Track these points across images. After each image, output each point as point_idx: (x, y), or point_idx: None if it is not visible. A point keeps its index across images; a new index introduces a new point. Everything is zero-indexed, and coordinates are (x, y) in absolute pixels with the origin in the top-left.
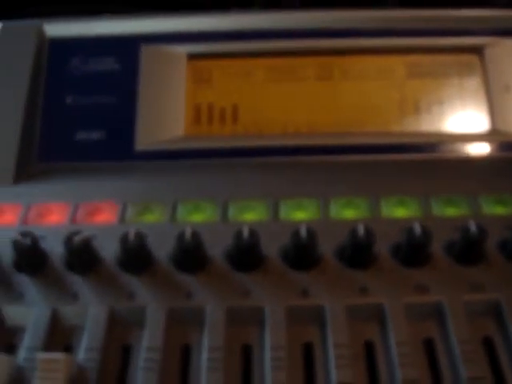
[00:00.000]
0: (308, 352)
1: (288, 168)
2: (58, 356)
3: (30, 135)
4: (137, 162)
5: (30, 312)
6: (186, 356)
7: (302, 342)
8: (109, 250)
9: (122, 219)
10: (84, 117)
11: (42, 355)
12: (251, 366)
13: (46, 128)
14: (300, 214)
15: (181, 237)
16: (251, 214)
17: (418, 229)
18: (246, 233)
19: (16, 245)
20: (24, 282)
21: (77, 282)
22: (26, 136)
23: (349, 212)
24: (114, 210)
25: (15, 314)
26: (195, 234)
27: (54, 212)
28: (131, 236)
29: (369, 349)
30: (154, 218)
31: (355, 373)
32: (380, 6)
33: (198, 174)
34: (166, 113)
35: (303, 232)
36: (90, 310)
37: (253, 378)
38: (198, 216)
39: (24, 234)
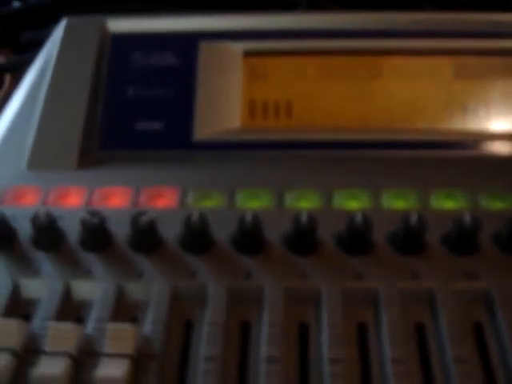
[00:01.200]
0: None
1: (340, 161)
2: (127, 326)
3: (92, 124)
4: (194, 151)
5: (97, 287)
6: (245, 332)
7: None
8: (170, 232)
9: (183, 204)
10: (144, 108)
11: (112, 325)
12: (308, 342)
13: (107, 118)
14: (353, 203)
15: (242, 220)
16: (306, 202)
17: (466, 219)
18: (304, 218)
19: (84, 224)
20: (90, 259)
21: (141, 260)
22: (88, 125)
23: (399, 203)
24: (175, 195)
25: (83, 288)
26: (256, 218)
27: (117, 196)
28: (195, 217)
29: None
30: (213, 203)
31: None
32: (417, 9)
33: (254, 164)
34: (223, 106)
35: (359, 219)
36: (154, 287)
37: (309, 352)
38: (255, 203)
39: (92, 214)
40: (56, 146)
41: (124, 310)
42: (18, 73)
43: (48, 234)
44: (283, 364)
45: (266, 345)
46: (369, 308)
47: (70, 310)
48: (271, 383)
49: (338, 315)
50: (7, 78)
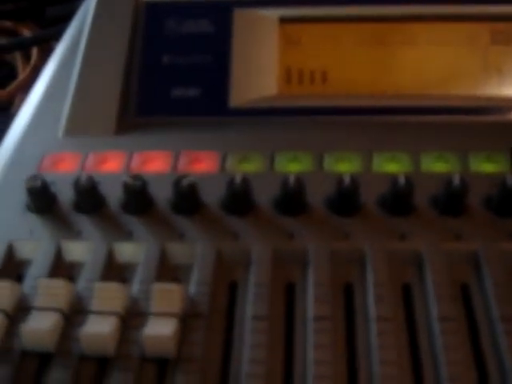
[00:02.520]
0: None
1: (377, 126)
2: (173, 286)
3: (128, 91)
4: (231, 118)
5: (141, 249)
6: (289, 292)
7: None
8: (211, 196)
9: (223, 168)
10: (180, 75)
11: (158, 285)
12: (354, 302)
13: (143, 85)
14: (393, 166)
15: (285, 182)
16: (346, 165)
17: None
18: (347, 180)
19: (126, 186)
20: (132, 222)
21: (183, 222)
22: (124, 92)
23: (439, 166)
24: (214, 159)
25: (126, 251)
26: (299, 180)
27: (156, 160)
28: (237, 180)
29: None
30: (253, 167)
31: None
32: None
33: (291, 129)
34: (258, 73)
35: (401, 181)
36: (197, 248)
37: (356, 311)
38: (295, 166)
39: (134, 177)
40: (93, 113)
41: (166, 271)
42: (45, 46)
43: (89, 197)
44: (331, 322)
45: (312, 304)
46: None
47: (114, 271)
48: (320, 340)
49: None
50: (34, 52)
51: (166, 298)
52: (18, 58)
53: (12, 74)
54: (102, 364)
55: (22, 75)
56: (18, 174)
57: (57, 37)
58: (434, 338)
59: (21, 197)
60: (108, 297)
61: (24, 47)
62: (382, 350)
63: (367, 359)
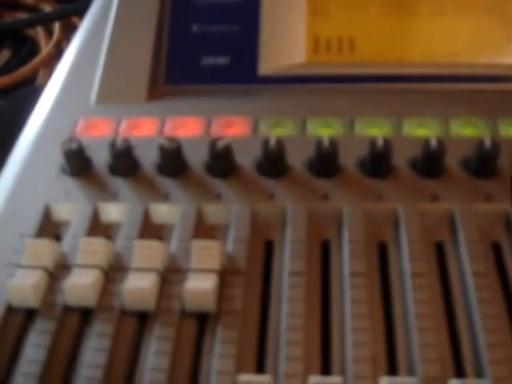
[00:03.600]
0: None
1: (405, 93)
2: (212, 243)
3: (158, 60)
4: (260, 85)
5: (177, 210)
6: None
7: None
8: (245, 159)
9: (255, 132)
10: (209, 43)
11: (197, 242)
12: (388, 259)
13: (172, 54)
14: (422, 130)
15: (319, 144)
16: (377, 130)
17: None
18: (380, 143)
19: (162, 149)
20: (168, 183)
21: (218, 184)
22: (154, 60)
23: (468, 130)
24: (247, 124)
25: (162, 211)
26: (333, 143)
27: (189, 125)
28: (272, 141)
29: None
30: (285, 131)
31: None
32: None
33: (320, 96)
34: (287, 42)
35: (433, 143)
36: (233, 208)
37: (390, 268)
38: (327, 130)
39: (169, 139)
40: (124, 81)
41: (203, 231)
42: (67, 21)
43: (125, 160)
44: (366, 278)
45: (347, 261)
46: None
47: (150, 231)
48: (356, 295)
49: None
50: (57, 27)
51: (205, 254)
52: (40, 33)
53: (33, 51)
54: (143, 319)
55: (44, 50)
56: (52, 139)
57: (79, 11)
58: (468, 293)
59: (55, 161)
60: (147, 254)
61: (46, 22)
62: (418, 304)
63: (403, 313)
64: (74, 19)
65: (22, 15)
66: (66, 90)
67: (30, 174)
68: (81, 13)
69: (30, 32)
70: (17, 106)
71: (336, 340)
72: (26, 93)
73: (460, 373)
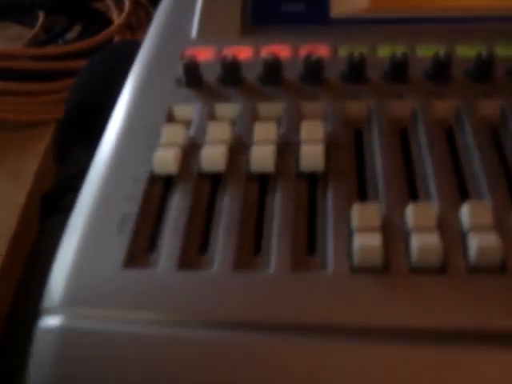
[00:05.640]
0: None
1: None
2: (317, 122)
3: (246, 3)
4: (333, 26)
5: (281, 106)
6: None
7: None
8: (331, 71)
9: (336, 54)
10: None
11: (306, 122)
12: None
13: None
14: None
15: (393, 57)
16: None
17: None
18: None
19: (265, 61)
20: (270, 90)
21: (312, 89)
22: (244, 3)
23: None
24: (328, 49)
25: (267, 108)
26: (404, 54)
27: (281, 51)
28: (356, 54)
29: None
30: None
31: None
32: None
33: (391, 38)
34: None
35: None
36: (328, 104)
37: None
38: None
39: (272, 55)
40: (220, 17)
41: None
42: None
43: (234, 70)
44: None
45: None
46: None
47: None
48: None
49: None
50: (127, 2)
51: (312, 130)
52: (111, 7)
53: (104, 26)
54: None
55: (117, 21)
56: (163, 63)
57: None
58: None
59: (168, 82)
60: (264, 132)
61: None
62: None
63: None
64: None
65: None
66: (168, 28)
67: (148, 90)
68: None
69: (100, 7)
70: (119, 49)
71: None
72: (121, 44)
73: None
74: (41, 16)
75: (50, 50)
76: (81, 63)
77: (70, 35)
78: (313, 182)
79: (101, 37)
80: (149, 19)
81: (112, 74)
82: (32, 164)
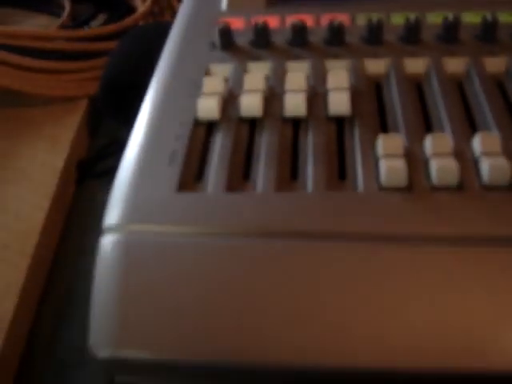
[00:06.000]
0: None
1: None
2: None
3: None
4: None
5: (306, 65)
6: None
7: None
8: (351, 36)
9: (355, 21)
10: None
11: (331, 73)
12: None
13: None
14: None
15: (407, 20)
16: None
17: None
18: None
19: (295, 26)
20: (297, 51)
21: (334, 50)
22: None
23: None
24: (347, 17)
25: (295, 66)
26: (418, 18)
27: (304, 19)
28: (374, 18)
29: None
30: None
31: None
32: None
33: (403, 5)
34: None
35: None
36: (345, 62)
37: None
38: None
39: (299, 20)
40: None
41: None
42: None
43: (264, 34)
44: None
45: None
46: None
47: None
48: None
49: None
50: None
51: (337, 79)
52: None
53: (128, 14)
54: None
55: (141, 8)
56: (196, 30)
57: None
58: None
59: (204, 46)
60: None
61: None
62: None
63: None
64: None
65: None
66: (199, 3)
67: (185, 53)
68: None
69: None
70: (150, 28)
71: None
72: (151, 24)
73: None
74: (67, 5)
75: (82, 32)
76: (111, 44)
77: (94, 24)
78: (340, 126)
79: (127, 21)
80: (170, 6)
81: (145, 50)
82: (67, 135)
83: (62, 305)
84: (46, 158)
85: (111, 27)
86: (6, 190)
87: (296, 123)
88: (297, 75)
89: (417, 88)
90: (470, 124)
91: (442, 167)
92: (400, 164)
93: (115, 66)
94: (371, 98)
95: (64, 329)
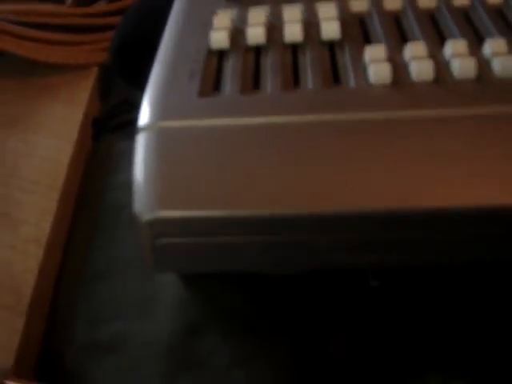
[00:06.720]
0: None
1: None
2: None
3: None
4: None
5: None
6: None
7: None
8: None
9: None
10: None
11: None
12: None
13: None
14: None
15: None
16: None
17: None
18: None
19: None
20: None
21: None
22: None
23: None
24: None
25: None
26: None
27: None
28: None
29: None
30: None
31: None
32: None
33: None
34: None
35: None
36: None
37: None
38: None
39: None
40: None
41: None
42: None
43: None
44: None
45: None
46: None
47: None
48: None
49: None
50: None
51: (327, 11)
52: None
53: None
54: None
55: None
56: None
57: None
58: None
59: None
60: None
61: None
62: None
63: None
64: None
65: None
66: None
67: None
68: None
69: None
70: None
71: None
72: None
73: None
74: None
75: (90, 9)
76: (117, 19)
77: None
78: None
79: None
80: None
81: (153, 12)
82: (82, 96)
83: (90, 230)
84: (65, 113)
85: (116, 5)
86: (29, 138)
87: (295, 48)
88: (293, 10)
89: (395, 21)
90: (440, 37)
91: (419, 65)
92: (385, 65)
93: (127, 23)
94: (357, 27)
95: (96, 238)
